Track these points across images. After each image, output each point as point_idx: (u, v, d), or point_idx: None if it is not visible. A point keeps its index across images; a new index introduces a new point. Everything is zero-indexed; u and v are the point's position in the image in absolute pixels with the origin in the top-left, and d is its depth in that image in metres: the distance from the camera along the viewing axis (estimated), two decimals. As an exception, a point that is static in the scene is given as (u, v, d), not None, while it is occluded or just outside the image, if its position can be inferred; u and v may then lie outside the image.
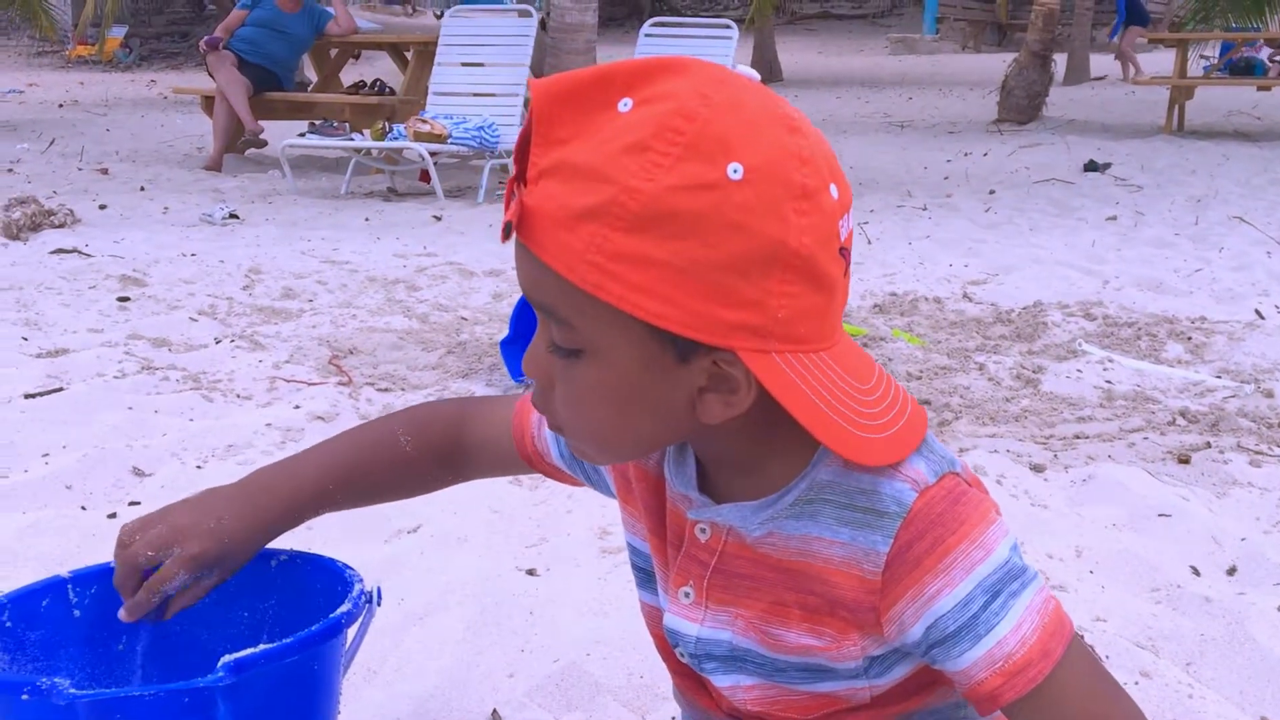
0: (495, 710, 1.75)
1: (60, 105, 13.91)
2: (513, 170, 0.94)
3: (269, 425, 2.97)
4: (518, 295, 3.44)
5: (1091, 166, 8.52)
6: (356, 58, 12.09)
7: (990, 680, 0.99)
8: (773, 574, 1.05)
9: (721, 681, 1.11)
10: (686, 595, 1.11)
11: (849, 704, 1.09)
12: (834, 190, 0.93)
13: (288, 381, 3.40)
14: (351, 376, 3.45)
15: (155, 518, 1.28)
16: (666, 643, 1.17)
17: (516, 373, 3.36)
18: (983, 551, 0.99)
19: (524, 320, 3.39)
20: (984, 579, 0.98)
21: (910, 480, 1.00)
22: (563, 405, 0.99)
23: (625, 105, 0.90)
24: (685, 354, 0.92)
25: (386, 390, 3.35)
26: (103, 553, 1.43)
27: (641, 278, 0.88)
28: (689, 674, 1.18)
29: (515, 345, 3.37)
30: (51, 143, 9.63)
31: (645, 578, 1.19)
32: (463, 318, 4.25)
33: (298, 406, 3.14)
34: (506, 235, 0.93)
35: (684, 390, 0.95)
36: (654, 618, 1.19)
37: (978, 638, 0.98)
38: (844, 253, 0.95)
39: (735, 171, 0.88)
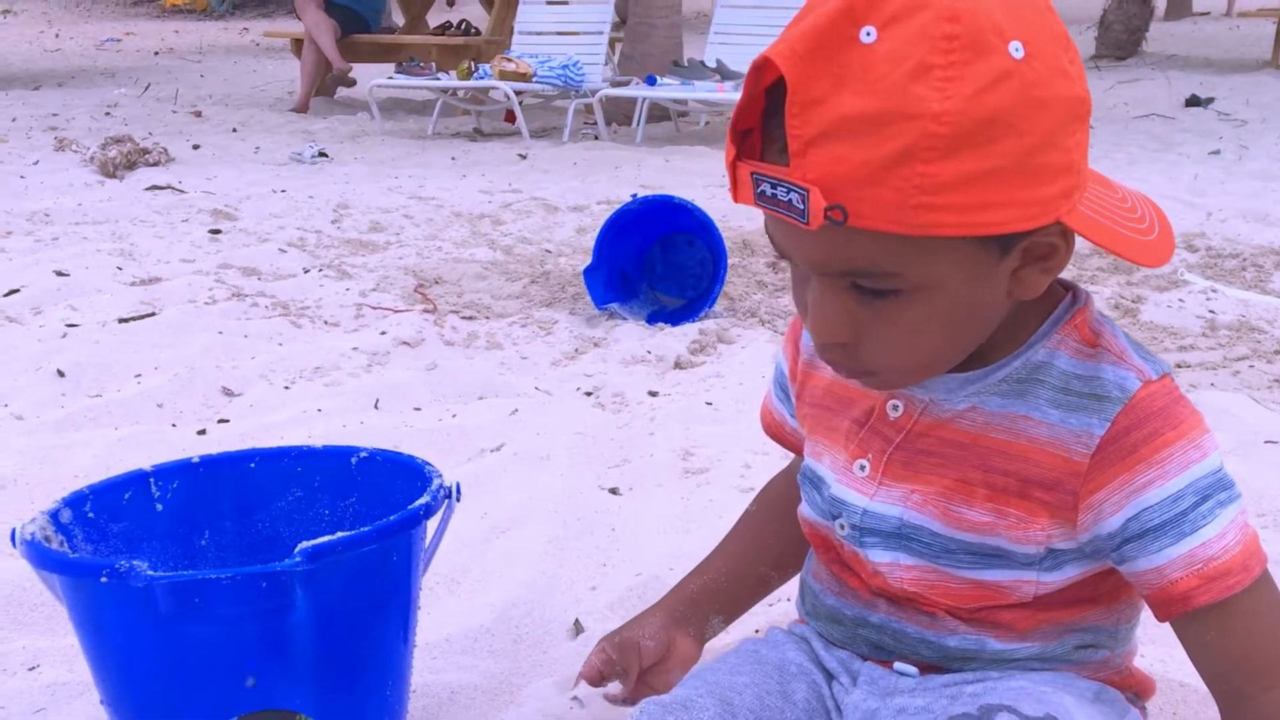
0: (577, 620, 1.74)
1: (156, 53, 14.13)
2: (729, 154, 0.91)
3: (355, 349, 2.99)
4: (599, 229, 3.41)
5: (1194, 101, 8.23)
6: (451, 3, 12.08)
7: (1186, 580, 0.97)
8: (960, 452, 1.03)
9: (879, 558, 1.08)
10: (862, 468, 1.09)
11: (1008, 599, 1.05)
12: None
13: (374, 309, 3.42)
14: (436, 304, 3.46)
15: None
16: (814, 527, 1.16)
17: (599, 300, 3.34)
18: (1199, 453, 0.98)
19: (607, 249, 3.36)
20: (1197, 480, 0.97)
21: (1136, 370, 0.99)
22: (883, 350, 0.96)
23: (869, 34, 0.84)
24: (1006, 246, 0.91)
25: (471, 318, 3.36)
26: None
27: (974, 196, 0.84)
28: (836, 552, 1.15)
29: (598, 273, 3.35)
30: (147, 88, 9.79)
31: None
32: (546, 250, 4.23)
33: (384, 332, 3.16)
34: (828, 218, 0.85)
35: (1002, 281, 0.93)
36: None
37: (1181, 535, 0.97)
38: None
39: (1018, 50, 0.85)
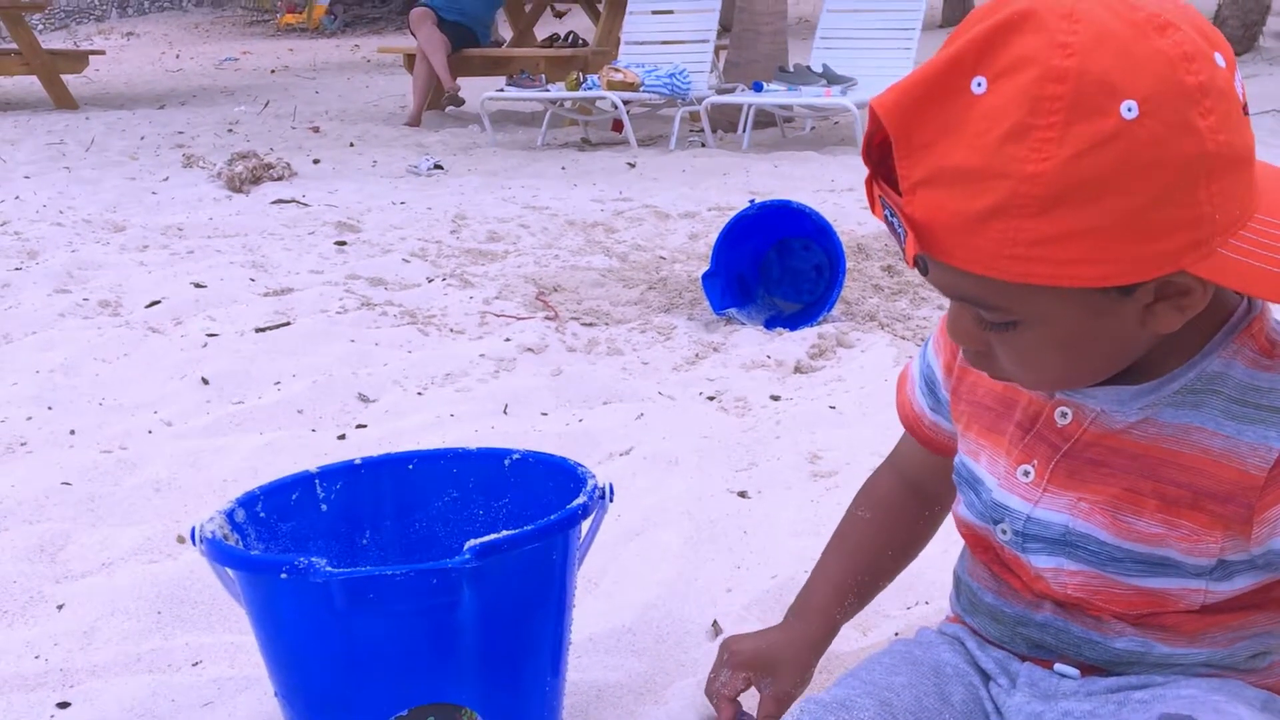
0: (715, 621, 1.77)
1: (272, 71, 14.51)
2: (867, 170, 0.94)
3: (482, 356, 3.07)
4: (714, 235, 3.44)
5: (1318, 96, 8.00)
6: (559, 16, 12.22)
7: None
8: (1130, 462, 1.02)
9: (1043, 563, 1.08)
10: (1026, 474, 1.08)
11: (1175, 607, 1.05)
12: (1219, 59, 0.86)
13: (497, 316, 3.50)
14: (558, 311, 3.53)
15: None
16: (972, 528, 1.16)
17: (717, 306, 3.37)
18: None
19: (724, 254, 3.39)
20: None
21: None
22: (1010, 364, 0.99)
23: (979, 85, 0.85)
24: (1128, 288, 0.90)
25: (591, 325, 3.41)
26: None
27: (1070, 251, 0.85)
28: (996, 553, 1.15)
29: (716, 279, 3.38)
30: (266, 104, 10.07)
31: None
32: (661, 256, 4.28)
33: (508, 339, 3.23)
34: (918, 264, 0.91)
35: (1132, 314, 0.92)
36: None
37: None
38: (1245, 110, 0.89)
39: (1130, 110, 0.82)
